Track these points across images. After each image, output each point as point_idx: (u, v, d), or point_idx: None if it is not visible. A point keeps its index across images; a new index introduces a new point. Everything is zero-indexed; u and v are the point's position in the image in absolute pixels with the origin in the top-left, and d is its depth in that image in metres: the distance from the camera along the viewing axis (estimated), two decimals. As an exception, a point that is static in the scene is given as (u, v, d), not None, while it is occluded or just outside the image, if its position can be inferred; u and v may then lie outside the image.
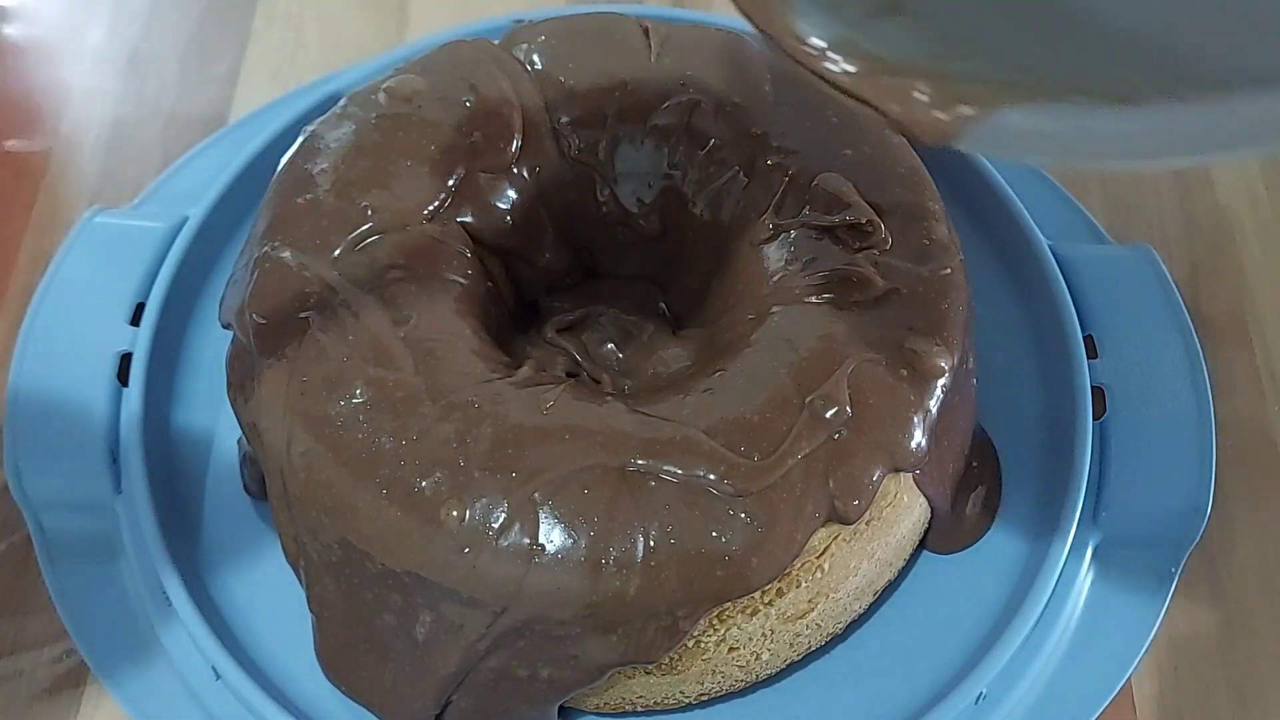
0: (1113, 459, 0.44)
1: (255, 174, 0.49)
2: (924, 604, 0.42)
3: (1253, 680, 0.42)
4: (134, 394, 0.44)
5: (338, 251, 0.40)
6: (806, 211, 0.41)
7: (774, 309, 0.40)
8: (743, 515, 0.35)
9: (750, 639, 0.38)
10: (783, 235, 0.41)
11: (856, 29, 0.27)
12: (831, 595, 0.39)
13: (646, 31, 0.46)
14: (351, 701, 0.40)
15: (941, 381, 0.38)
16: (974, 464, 0.44)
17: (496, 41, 0.46)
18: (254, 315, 0.39)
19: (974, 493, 0.44)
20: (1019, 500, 0.44)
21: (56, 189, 0.53)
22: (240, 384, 0.42)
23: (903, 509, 0.40)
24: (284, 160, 0.43)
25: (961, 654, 0.41)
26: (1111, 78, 0.25)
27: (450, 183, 0.42)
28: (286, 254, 0.40)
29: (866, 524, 0.38)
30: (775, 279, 0.40)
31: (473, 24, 0.53)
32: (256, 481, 0.43)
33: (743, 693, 0.41)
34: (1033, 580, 0.41)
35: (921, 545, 0.43)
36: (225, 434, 0.46)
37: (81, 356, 0.45)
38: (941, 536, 0.43)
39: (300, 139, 0.44)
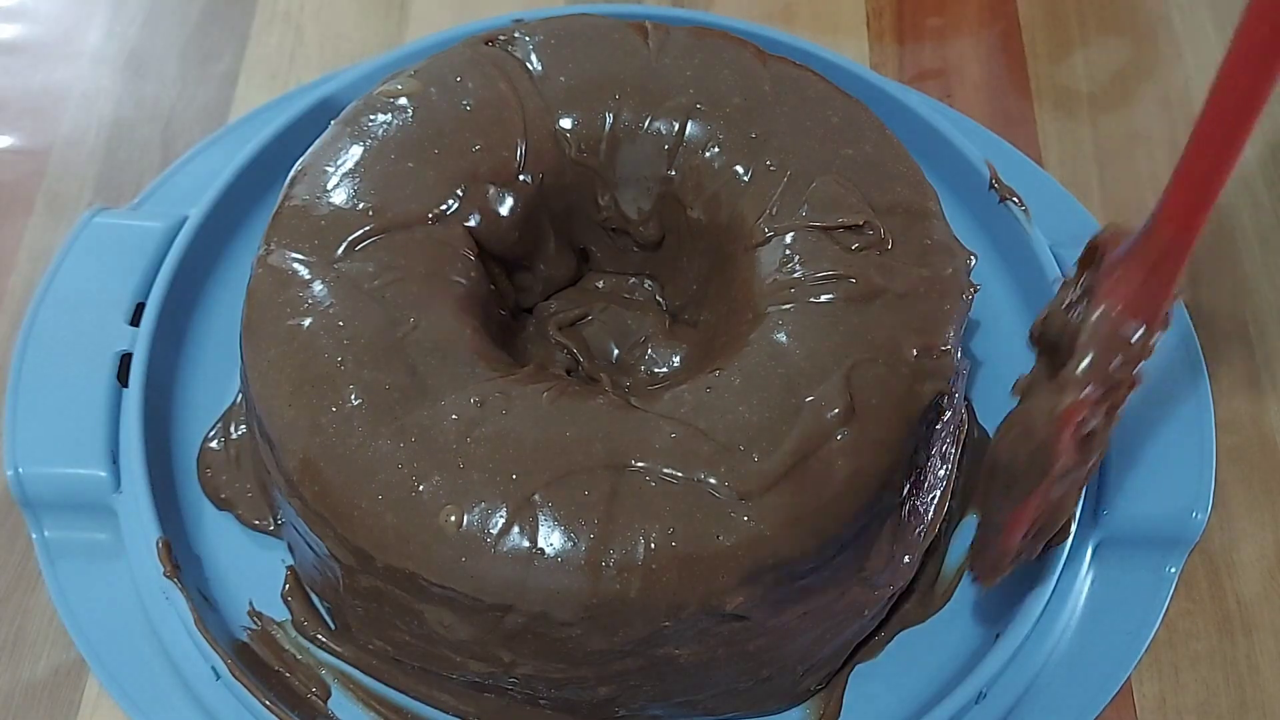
0: (1113, 459, 0.43)
1: (255, 174, 0.49)
2: (924, 604, 0.43)
3: (1253, 680, 0.42)
4: (134, 394, 0.44)
5: (339, 251, 0.40)
6: (805, 213, 0.41)
7: (772, 309, 0.40)
8: (744, 518, 0.35)
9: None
10: (781, 237, 0.41)
11: None
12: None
13: (646, 32, 0.45)
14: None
15: (942, 382, 0.38)
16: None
17: (496, 42, 0.46)
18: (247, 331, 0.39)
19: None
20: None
21: (56, 189, 0.53)
22: (243, 391, 0.42)
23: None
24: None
25: (961, 654, 0.41)
26: None
27: (458, 191, 0.42)
28: (283, 256, 0.40)
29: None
30: (774, 280, 0.40)
31: (473, 24, 0.53)
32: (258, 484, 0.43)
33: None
34: (1033, 580, 0.41)
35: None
36: (225, 434, 0.46)
37: (81, 356, 0.45)
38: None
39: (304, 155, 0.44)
